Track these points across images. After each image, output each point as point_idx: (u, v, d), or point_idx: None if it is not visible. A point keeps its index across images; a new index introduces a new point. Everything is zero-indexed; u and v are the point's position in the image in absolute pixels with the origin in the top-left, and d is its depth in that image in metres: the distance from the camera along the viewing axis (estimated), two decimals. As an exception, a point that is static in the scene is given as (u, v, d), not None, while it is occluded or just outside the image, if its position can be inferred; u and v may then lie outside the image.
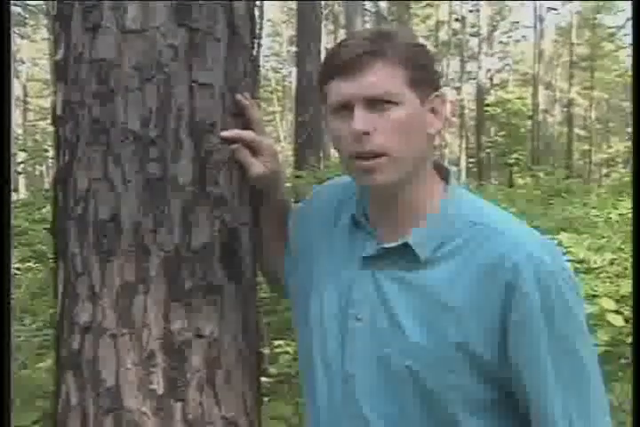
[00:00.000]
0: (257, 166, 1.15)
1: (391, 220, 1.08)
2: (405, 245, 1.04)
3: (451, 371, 1.00)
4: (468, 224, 1.04)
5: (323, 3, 11.40)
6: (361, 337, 1.07)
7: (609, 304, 2.64)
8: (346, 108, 1.02)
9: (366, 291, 1.07)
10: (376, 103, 1.00)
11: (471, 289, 0.99)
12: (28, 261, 5.34)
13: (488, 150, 20.26)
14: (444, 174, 1.11)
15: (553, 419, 0.98)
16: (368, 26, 14.62)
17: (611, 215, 5.53)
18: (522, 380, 0.99)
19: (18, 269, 5.08)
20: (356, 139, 1.01)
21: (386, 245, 1.06)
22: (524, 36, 29.64)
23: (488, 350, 0.99)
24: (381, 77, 1.00)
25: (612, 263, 3.22)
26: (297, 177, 6.50)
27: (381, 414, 1.05)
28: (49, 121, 1.22)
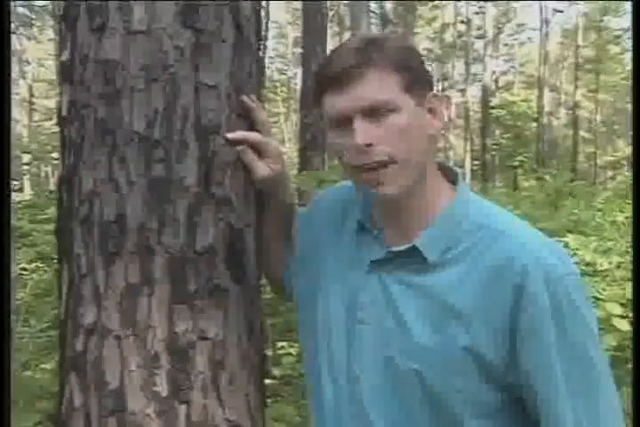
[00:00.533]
0: (262, 168, 1.14)
1: (398, 223, 1.08)
2: (413, 248, 1.03)
3: (458, 374, 0.99)
4: (476, 226, 1.03)
5: (328, 4, 11.41)
6: (368, 339, 1.06)
7: (614, 309, 2.62)
8: (344, 120, 1.01)
9: (374, 294, 1.07)
10: (373, 112, 0.99)
11: (479, 291, 0.99)
12: (35, 262, 5.35)
13: (493, 153, 20.24)
14: (450, 176, 1.11)
15: (564, 425, 0.97)
16: (373, 28, 14.63)
17: (617, 218, 5.51)
18: (532, 385, 0.98)
19: (24, 269, 5.10)
20: (359, 151, 1.00)
21: (394, 249, 1.06)
22: (529, 38, 29.66)
23: (496, 352, 0.98)
24: (374, 87, 0.99)
25: (618, 266, 3.21)
26: (302, 176, 6.49)
27: (386, 415, 1.05)
28: (54, 122, 1.21)
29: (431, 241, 1.03)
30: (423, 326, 1.01)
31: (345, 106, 1.00)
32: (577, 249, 3.42)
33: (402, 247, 1.05)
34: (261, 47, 1.27)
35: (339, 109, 1.01)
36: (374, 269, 1.08)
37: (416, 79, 1.02)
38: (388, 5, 21.07)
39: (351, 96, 0.99)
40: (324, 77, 1.02)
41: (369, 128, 0.99)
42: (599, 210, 6.62)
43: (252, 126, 1.15)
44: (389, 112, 0.99)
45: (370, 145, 0.99)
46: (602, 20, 25.71)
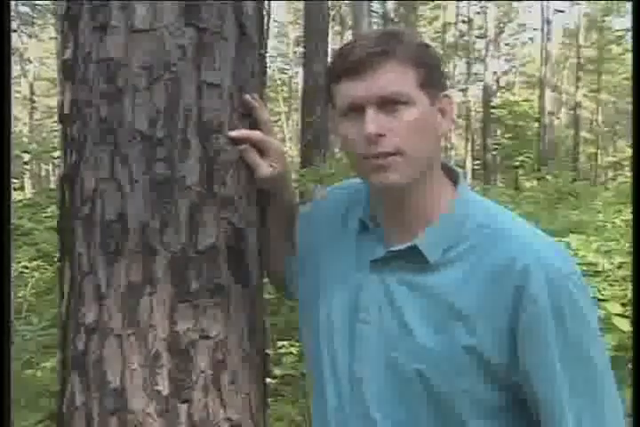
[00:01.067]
0: (265, 167, 1.14)
1: (399, 222, 1.08)
2: (414, 248, 1.03)
3: (459, 374, 0.99)
4: (477, 227, 1.03)
5: (330, 4, 11.41)
6: (369, 340, 1.06)
7: (615, 308, 2.62)
8: (356, 109, 1.00)
9: (375, 294, 1.06)
10: (387, 104, 0.99)
11: (481, 292, 0.98)
12: (35, 260, 5.36)
13: (494, 152, 20.22)
14: (452, 176, 1.10)
15: (566, 425, 0.96)
16: (375, 27, 14.61)
17: (619, 218, 5.51)
18: (533, 385, 0.98)
19: (26, 268, 5.10)
20: (368, 141, 0.99)
21: (394, 249, 1.05)
22: (530, 38, 29.62)
23: (497, 352, 0.98)
24: (393, 77, 0.98)
25: (619, 267, 3.20)
26: (301, 176, 6.50)
27: (389, 415, 1.04)
28: (56, 119, 1.21)
29: (432, 241, 1.03)
30: (425, 326, 1.01)
31: (360, 94, 0.99)
32: (578, 249, 3.42)
33: (402, 247, 1.04)
34: (264, 46, 1.27)
35: (353, 97, 1.00)
36: (375, 268, 1.07)
37: (432, 78, 1.02)
38: (390, 5, 21.04)
39: (368, 84, 0.98)
40: (341, 65, 1.01)
41: (381, 119, 0.99)
42: (598, 212, 6.61)
43: (254, 125, 1.15)
44: (403, 105, 0.99)
45: (380, 135, 0.98)
46: (603, 20, 25.69)
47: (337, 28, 23.10)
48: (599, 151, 27.57)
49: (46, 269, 5.23)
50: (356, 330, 1.08)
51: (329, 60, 1.09)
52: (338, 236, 1.16)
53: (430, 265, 1.02)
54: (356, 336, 1.08)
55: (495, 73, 21.74)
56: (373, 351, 1.06)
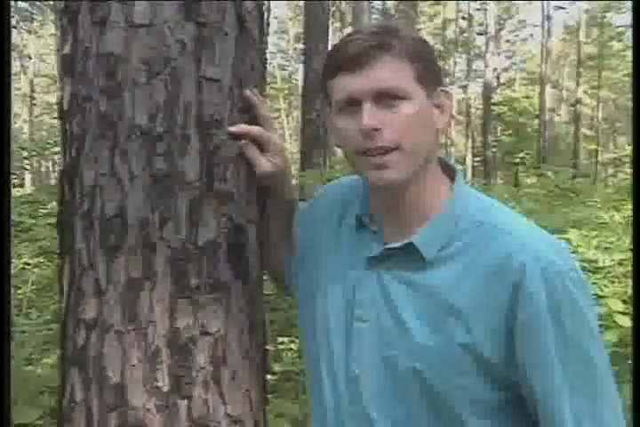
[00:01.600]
0: (264, 163, 1.13)
1: (397, 219, 1.07)
2: (410, 245, 1.02)
3: (457, 372, 0.99)
4: (475, 224, 1.02)
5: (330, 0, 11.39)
6: (366, 338, 1.05)
7: (616, 305, 2.63)
8: (352, 104, 0.99)
9: (372, 291, 1.06)
10: (384, 98, 0.98)
11: (477, 290, 0.98)
12: (37, 257, 5.36)
13: (494, 149, 20.22)
14: (450, 173, 1.10)
15: (564, 424, 0.95)
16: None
17: (619, 215, 5.50)
18: (531, 383, 0.97)
19: (27, 264, 5.11)
20: (365, 135, 0.98)
21: (391, 246, 1.05)
22: (531, 35, 29.62)
23: (495, 351, 0.97)
24: (390, 72, 0.98)
25: (620, 263, 3.20)
26: (302, 176, 6.50)
27: (387, 414, 1.04)
28: (55, 116, 1.21)
29: (428, 238, 1.02)
30: (422, 325, 1.00)
31: (357, 88, 0.98)
32: (579, 246, 3.41)
33: (398, 244, 1.04)
34: (264, 42, 1.26)
35: (350, 92, 0.99)
36: (372, 266, 1.07)
37: (428, 72, 1.01)
38: (390, 2, 21.02)
39: (364, 78, 0.98)
40: (337, 59, 1.00)
41: (377, 113, 0.98)
42: (598, 208, 6.61)
43: (254, 121, 1.14)
44: (400, 100, 0.98)
45: (377, 130, 0.97)
46: (604, 17, 25.66)
47: (337, 24, 23.07)
48: (599, 148, 27.55)
49: (47, 265, 5.23)
50: (352, 328, 1.07)
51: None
52: (336, 234, 1.16)
53: (427, 262, 1.02)
54: (352, 335, 1.07)
55: (495, 70, 21.72)
56: (370, 350, 1.05)
